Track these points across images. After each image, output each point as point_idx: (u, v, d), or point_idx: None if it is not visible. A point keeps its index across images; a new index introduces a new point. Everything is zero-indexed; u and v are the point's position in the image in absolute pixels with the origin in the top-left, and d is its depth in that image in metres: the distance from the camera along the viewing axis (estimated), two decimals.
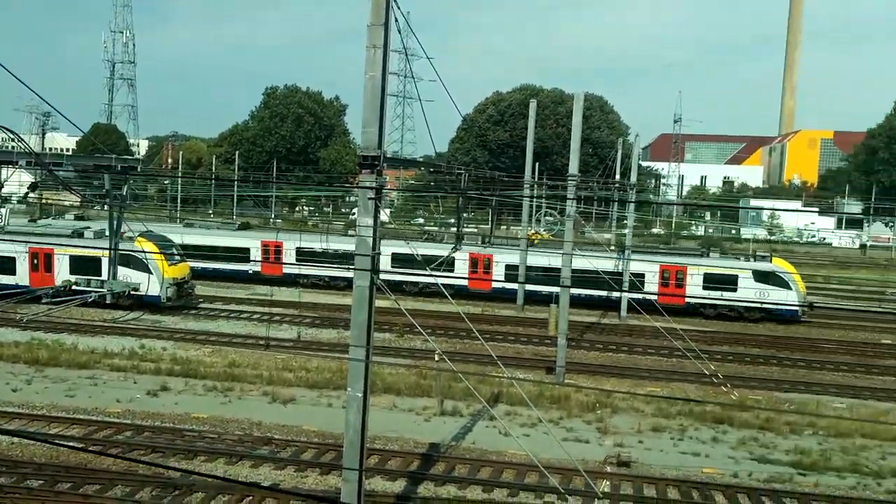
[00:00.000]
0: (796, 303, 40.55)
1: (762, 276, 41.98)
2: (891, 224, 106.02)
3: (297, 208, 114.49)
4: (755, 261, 43.72)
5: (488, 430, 21.57)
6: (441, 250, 36.50)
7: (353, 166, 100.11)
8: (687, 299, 42.11)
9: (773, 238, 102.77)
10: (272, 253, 47.93)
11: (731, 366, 31.40)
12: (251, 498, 16.56)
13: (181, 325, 34.64)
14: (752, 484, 18.68)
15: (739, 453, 20.85)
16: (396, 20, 10.67)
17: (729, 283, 41.98)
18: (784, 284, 41.71)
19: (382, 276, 11.78)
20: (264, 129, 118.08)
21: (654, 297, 41.22)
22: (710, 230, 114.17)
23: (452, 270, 43.86)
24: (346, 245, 45.45)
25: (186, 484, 16.84)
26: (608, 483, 18.20)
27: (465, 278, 41.43)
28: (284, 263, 47.49)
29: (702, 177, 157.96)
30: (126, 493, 16.55)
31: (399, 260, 42.78)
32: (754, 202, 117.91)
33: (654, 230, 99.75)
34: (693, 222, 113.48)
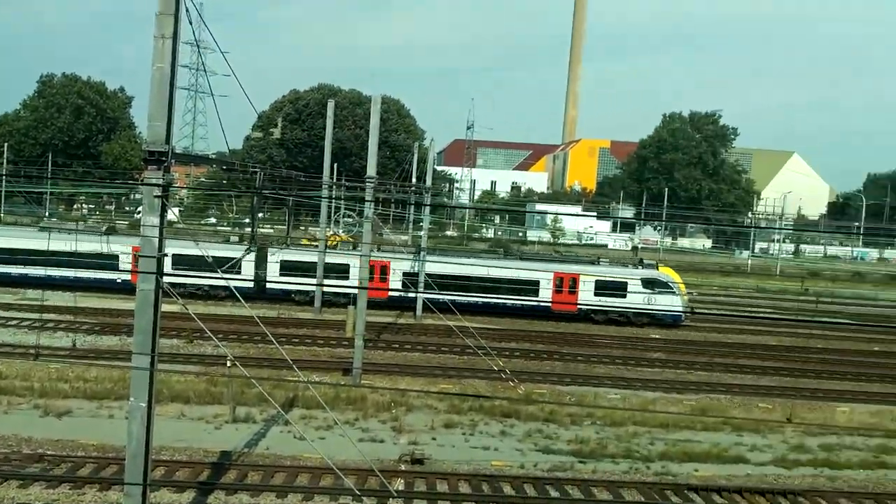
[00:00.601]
0: (679, 308, 43.78)
1: (649, 283, 44.15)
2: (659, 228, 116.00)
3: (74, 206, 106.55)
4: (642, 268, 45.64)
5: (283, 436, 21.20)
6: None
7: (138, 162, 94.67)
8: (579, 305, 43.49)
9: (556, 241, 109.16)
10: None
11: (518, 361, 32.93)
12: None
13: None
14: (538, 474, 19.71)
15: (526, 445, 21.93)
16: (188, 10, 10.25)
17: (619, 289, 43.82)
18: (669, 290, 44.16)
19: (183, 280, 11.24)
20: (38, 119, 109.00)
21: (549, 304, 42.90)
22: (500, 233, 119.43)
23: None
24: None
25: None
26: (402, 481, 18.49)
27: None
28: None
29: (492, 182, 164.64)
30: None
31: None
32: (539, 206, 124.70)
33: (448, 232, 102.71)
34: (484, 225, 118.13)
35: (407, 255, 45.50)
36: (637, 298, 43.43)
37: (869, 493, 19.79)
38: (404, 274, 43.76)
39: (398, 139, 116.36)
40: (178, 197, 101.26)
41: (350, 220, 75.26)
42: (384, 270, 44.00)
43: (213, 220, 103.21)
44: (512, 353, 34.52)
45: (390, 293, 43.57)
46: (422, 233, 44.99)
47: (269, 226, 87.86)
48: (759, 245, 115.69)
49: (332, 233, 55.59)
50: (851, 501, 19.12)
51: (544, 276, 43.75)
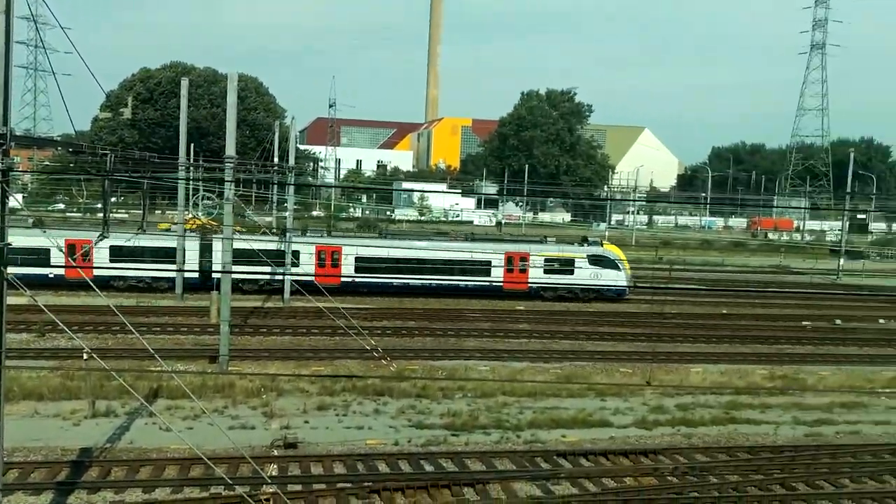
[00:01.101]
0: (624, 283, 45.03)
1: (595, 260, 45.14)
2: (520, 203, 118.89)
3: None
4: (588, 246, 46.41)
5: (148, 428, 20.37)
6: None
7: None
8: (530, 284, 43.96)
9: (423, 218, 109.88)
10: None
11: (390, 339, 32.99)
12: None
13: None
14: (412, 449, 19.88)
15: (399, 422, 22.05)
16: None
17: (566, 266, 44.63)
18: (614, 266, 45.32)
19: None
20: None
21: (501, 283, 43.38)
22: (367, 212, 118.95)
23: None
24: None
25: None
26: (275, 467, 18.19)
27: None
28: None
29: (357, 160, 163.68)
30: None
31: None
32: (405, 185, 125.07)
33: (315, 213, 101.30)
34: (351, 205, 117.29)
35: (360, 239, 45.23)
36: (584, 274, 44.67)
37: (721, 447, 21.15)
38: (357, 259, 43.25)
39: (257, 117, 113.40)
40: (20, 182, 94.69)
41: (210, 202, 72.82)
42: (336, 255, 43.34)
43: (61, 206, 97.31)
44: (384, 331, 34.54)
45: (343, 279, 43.02)
46: (286, 213, 44.07)
47: (123, 211, 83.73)
48: (615, 217, 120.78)
49: (191, 216, 53.63)
50: (706, 456, 20.37)
51: (495, 257, 44.26)
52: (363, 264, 43.41)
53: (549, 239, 48.95)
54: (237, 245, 40.83)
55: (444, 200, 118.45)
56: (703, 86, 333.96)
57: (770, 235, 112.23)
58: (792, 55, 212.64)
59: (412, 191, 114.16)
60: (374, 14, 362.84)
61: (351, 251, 43.33)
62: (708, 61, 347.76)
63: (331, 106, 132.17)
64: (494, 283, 43.88)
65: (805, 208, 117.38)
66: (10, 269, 9.91)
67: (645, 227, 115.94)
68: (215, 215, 58.51)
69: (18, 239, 14.60)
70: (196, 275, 41.59)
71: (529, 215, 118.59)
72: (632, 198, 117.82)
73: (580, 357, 31.61)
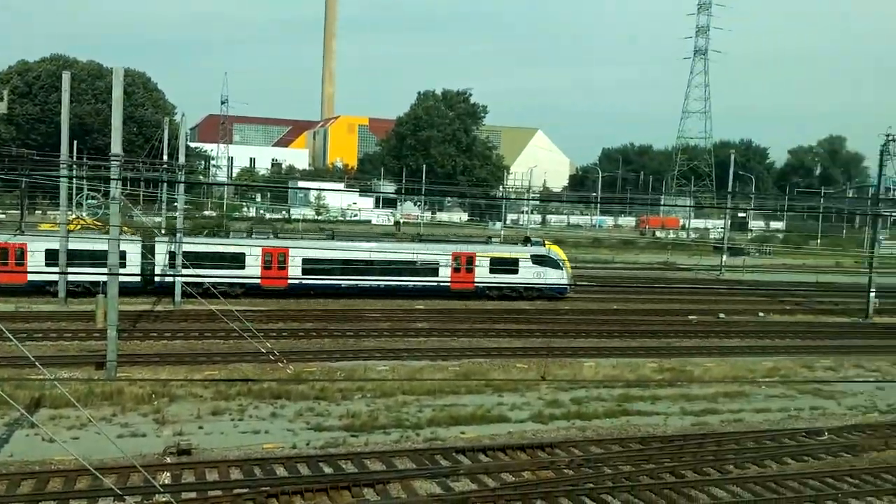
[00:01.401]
0: (565, 282, 46.65)
1: (538, 260, 46.37)
2: (419, 203, 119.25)
3: None
4: (531, 246, 47.46)
5: (29, 440, 19.33)
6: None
7: None
8: (476, 283, 44.72)
9: (320, 217, 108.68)
10: None
11: (286, 342, 32.47)
12: None
13: None
14: (311, 452, 19.61)
15: (297, 425, 21.71)
16: None
17: (511, 266, 45.63)
18: (556, 266, 46.55)
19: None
20: None
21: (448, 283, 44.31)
22: (262, 211, 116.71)
23: None
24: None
25: None
26: (168, 475, 17.60)
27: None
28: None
29: (251, 159, 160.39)
30: None
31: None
32: (302, 184, 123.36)
33: (206, 212, 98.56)
34: (244, 204, 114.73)
35: (307, 241, 45.02)
36: (528, 274, 45.98)
37: (615, 438, 21.80)
38: (304, 261, 42.77)
39: (145, 114, 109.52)
40: None
41: (95, 201, 69.80)
42: (283, 257, 42.74)
43: None
44: (280, 333, 33.96)
45: (290, 281, 42.49)
46: (176, 213, 42.72)
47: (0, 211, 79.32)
48: (510, 216, 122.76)
49: (74, 216, 51.34)
50: (600, 448, 20.95)
51: (443, 257, 44.71)
52: (310, 266, 42.99)
53: (493, 239, 50.09)
54: (196, 248, 40.83)
55: (341, 200, 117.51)
56: (594, 88, 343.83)
57: (657, 233, 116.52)
58: (678, 60, 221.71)
59: (308, 189, 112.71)
60: (267, 7, 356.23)
61: (298, 253, 42.84)
62: (599, 63, 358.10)
63: (223, 102, 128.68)
64: (442, 284, 44.59)
65: (690, 207, 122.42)
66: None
67: (539, 226, 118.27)
68: (100, 215, 56.28)
69: None
70: (137, 279, 40.37)
71: (428, 215, 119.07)
72: (526, 197, 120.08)
73: (478, 354, 31.95)
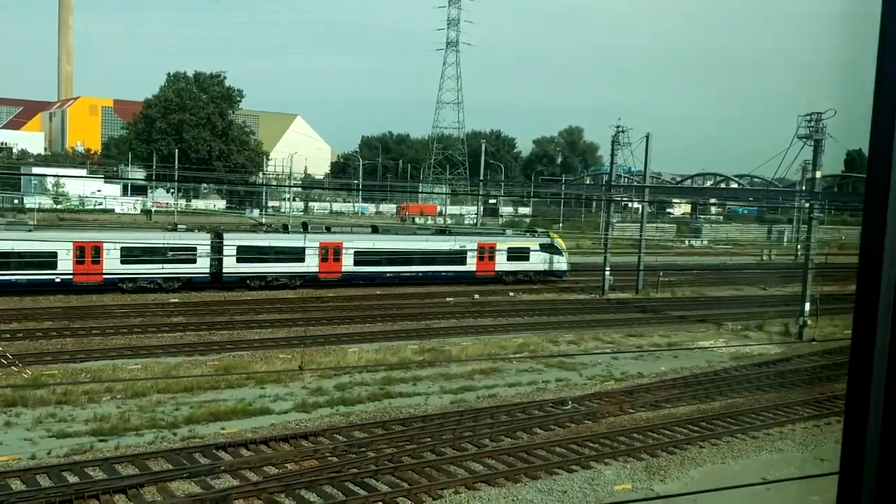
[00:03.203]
0: (565, 267, 53.65)
1: (545, 248, 53.00)
2: (172, 190, 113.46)
3: None
4: (538, 237, 55.16)
5: None
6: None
7: None
8: (497, 270, 51.21)
9: (59, 206, 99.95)
10: None
11: (22, 343, 29.59)
12: None
13: None
14: (53, 462, 18.03)
15: (37, 433, 19.86)
16: None
17: (524, 255, 52.26)
18: (559, 253, 53.32)
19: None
20: None
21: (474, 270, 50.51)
22: None
23: None
24: None
25: None
26: None
27: None
28: None
29: None
30: None
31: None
32: (37, 170, 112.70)
33: None
34: None
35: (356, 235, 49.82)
36: (538, 260, 52.78)
37: (378, 422, 22.15)
38: (356, 253, 47.33)
39: None
40: None
41: None
42: (338, 251, 46.82)
43: None
44: (14, 334, 30.86)
45: (344, 271, 47.01)
46: None
47: None
48: (271, 203, 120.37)
49: None
50: (364, 432, 21.20)
51: (471, 247, 50.54)
52: (361, 258, 47.41)
53: (507, 231, 59.45)
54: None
55: (83, 187, 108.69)
56: (353, 76, 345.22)
57: (417, 219, 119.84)
58: (431, 51, 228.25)
59: (43, 175, 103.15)
60: None
61: (351, 247, 47.52)
62: (357, 52, 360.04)
63: None
64: (469, 271, 50.43)
65: (446, 195, 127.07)
66: None
67: (301, 213, 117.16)
68: None
69: None
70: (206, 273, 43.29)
71: (182, 202, 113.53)
72: (287, 184, 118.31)
73: (239, 347, 31.08)
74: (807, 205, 42.54)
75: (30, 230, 44.10)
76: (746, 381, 29.34)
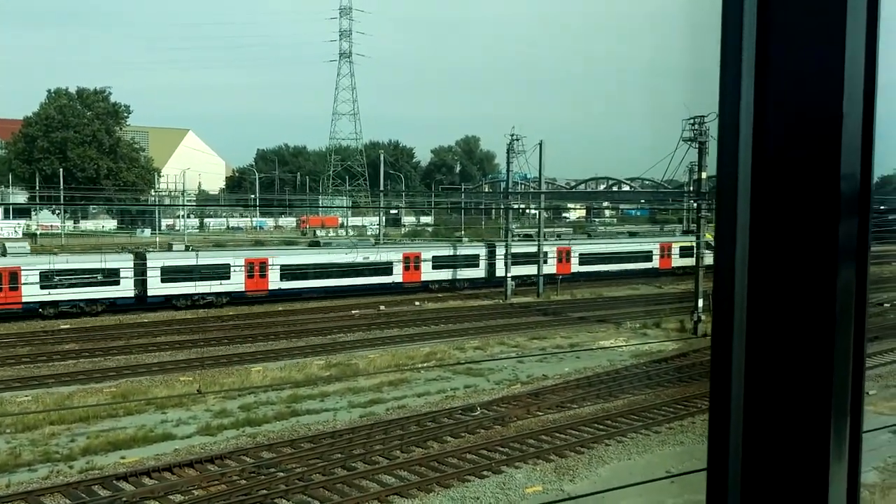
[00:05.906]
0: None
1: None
2: (57, 211, 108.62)
3: None
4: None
5: None
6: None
7: None
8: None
9: None
10: None
11: None
12: None
13: None
14: None
15: None
16: None
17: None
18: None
19: None
20: None
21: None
22: None
23: None
24: None
25: None
26: None
27: None
28: None
29: None
30: None
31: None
32: None
33: None
34: None
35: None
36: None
37: (286, 441, 21.75)
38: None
39: None
40: None
41: None
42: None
43: None
44: None
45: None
46: None
47: None
48: (165, 222, 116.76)
49: None
50: (272, 452, 20.77)
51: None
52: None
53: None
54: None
55: None
56: (245, 89, 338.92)
57: (318, 232, 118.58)
58: (325, 62, 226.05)
59: None
60: None
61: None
62: (249, 64, 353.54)
63: None
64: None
65: (347, 208, 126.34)
66: None
67: (196, 230, 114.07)
68: None
69: None
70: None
71: (70, 224, 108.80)
72: (181, 202, 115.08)
73: (137, 372, 29.96)
74: (694, 205, 44.26)
75: None
76: (647, 377, 30.30)
